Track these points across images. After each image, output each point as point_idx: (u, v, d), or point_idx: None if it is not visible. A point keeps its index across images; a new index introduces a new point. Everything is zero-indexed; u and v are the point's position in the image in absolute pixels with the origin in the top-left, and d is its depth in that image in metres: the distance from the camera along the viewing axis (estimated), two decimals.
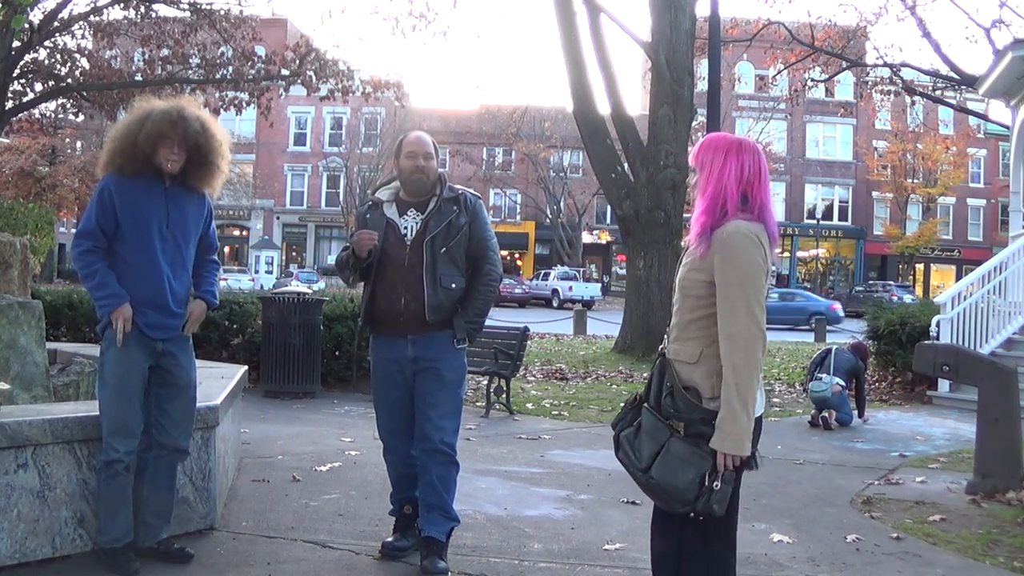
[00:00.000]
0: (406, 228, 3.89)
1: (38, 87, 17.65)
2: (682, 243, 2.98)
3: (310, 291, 9.77)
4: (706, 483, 2.59)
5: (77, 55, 17.76)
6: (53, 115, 22.40)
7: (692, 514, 2.64)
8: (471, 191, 4.06)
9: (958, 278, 33.84)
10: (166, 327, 3.67)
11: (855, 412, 8.49)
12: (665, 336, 2.89)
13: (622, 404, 2.99)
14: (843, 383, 8.34)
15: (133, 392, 3.60)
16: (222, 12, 17.74)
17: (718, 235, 2.65)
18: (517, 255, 46.73)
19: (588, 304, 33.36)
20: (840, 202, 46.79)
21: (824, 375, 8.38)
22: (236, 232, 47.64)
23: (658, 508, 2.88)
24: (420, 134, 4.04)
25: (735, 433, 2.57)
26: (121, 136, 3.65)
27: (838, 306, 30.10)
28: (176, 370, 3.73)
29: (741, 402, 2.57)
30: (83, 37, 18.32)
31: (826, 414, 8.27)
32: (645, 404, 2.77)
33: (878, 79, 23.47)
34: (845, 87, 33.12)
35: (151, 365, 3.66)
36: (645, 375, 2.99)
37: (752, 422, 2.61)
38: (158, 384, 3.69)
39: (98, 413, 3.65)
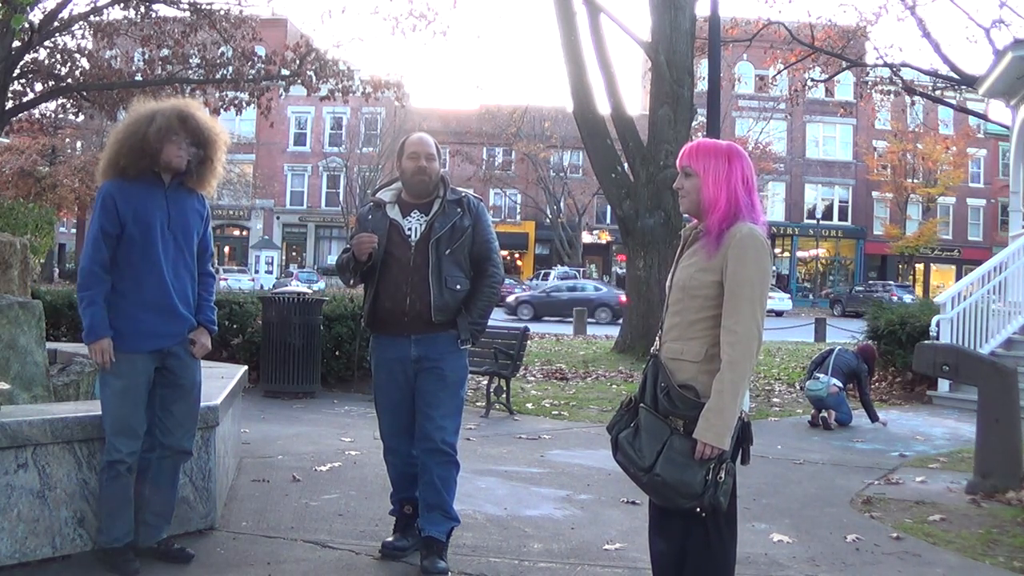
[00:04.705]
0: (410, 229, 3.89)
1: (38, 87, 17.61)
2: (681, 241, 2.98)
3: (310, 291, 9.77)
4: (709, 477, 2.64)
5: (77, 55, 17.73)
6: (53, 115, 22.37)
7: (699, 509, 2.68)
8: (473, 193, 4.07)
9: (958, 278, 33.80)
10: (171, 334, 3.66)
11: (856, 413, 8.47)
12: (657, 337, 2.90)
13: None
14: (840, 384, 8.34)
15: (138, 393, 3.59)
16: (222, 12, 17.72)
17: (730, 236, 2.72)
18: (517, 255, 46.70)
19: None
20: (840, 202, 46.76)
21: (822, 375, 8.38)
22: (236, 232, 47.62)
23: (656, 507, 2.89)
24: (422, 135, 4.06)
25: (719, 424, 2.64)
26: (129, 134, 3.64)
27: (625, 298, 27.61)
28: (181, 371, 3.72)
29: (732, 395, 2.64)
30: (83, 37, 18.29)
31: (825, 414, 8.27)
32: (641, 404, 2.81)
33: (878, 79, 23.45)
34: (845, 87, 33.07)
35: (156, 366, 3.66)
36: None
37: (736, 418, 2.67)
38: (163, 385, 3.68)
39: (98, 413, 3.65)
